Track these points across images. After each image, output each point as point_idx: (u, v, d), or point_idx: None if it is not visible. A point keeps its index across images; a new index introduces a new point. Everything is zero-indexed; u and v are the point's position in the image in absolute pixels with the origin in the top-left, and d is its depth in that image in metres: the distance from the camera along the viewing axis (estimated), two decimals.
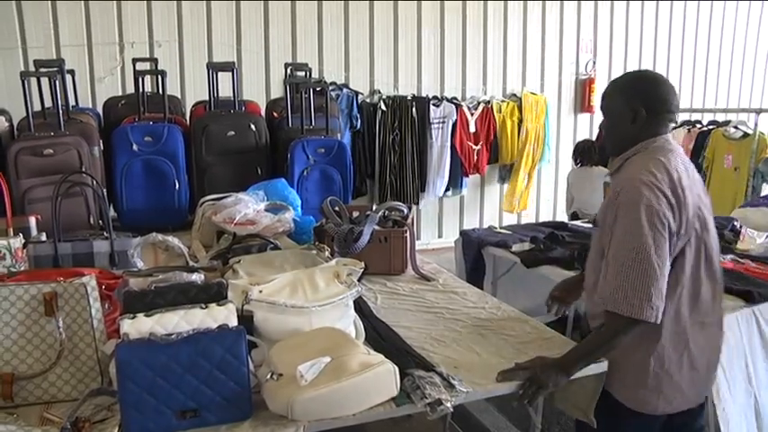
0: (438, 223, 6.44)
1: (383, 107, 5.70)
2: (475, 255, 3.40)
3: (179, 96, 4.49)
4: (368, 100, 5.78)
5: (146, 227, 2.55)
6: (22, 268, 2.32)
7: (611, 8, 6.96)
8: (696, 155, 5.41)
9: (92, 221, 2.99)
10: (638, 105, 1.72)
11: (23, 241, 2.38)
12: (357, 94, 5.67)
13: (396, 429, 3.03)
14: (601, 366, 1.74)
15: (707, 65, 7.67)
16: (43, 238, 2.45)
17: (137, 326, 1.42)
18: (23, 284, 1.59)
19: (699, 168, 5.08)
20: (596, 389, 1.77)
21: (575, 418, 1.88)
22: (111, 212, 3.31)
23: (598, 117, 6.69)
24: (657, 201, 1.61)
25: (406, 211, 2.72)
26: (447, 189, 6.08)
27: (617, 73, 7.10)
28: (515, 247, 3.29)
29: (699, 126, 5.69)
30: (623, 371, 1.76)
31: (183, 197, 3.14)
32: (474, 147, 6.14)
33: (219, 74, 3.38)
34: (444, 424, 2.78)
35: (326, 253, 1.94)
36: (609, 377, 1.75)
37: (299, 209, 2.70)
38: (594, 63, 6.96)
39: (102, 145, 3.18)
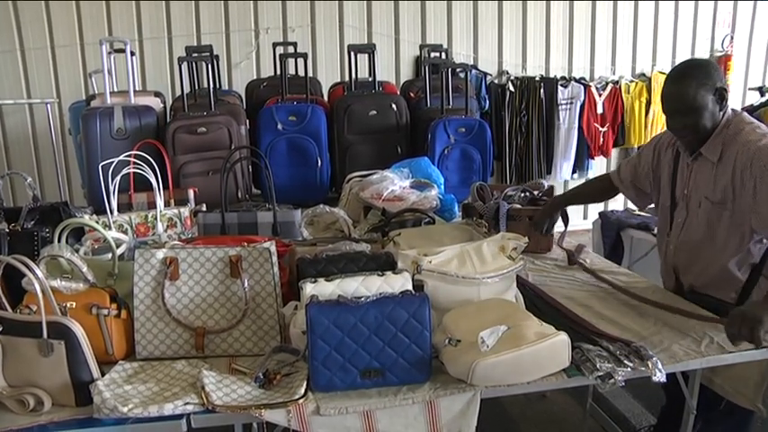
0: None
1: (511, 88, 5.62)
2: (614, 237, 3.32)
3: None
4: (496, 81, 5.71)
5: (289, 202, 2.68)
6: (190, 235, 2.52)
7: None
8: None
9: (239, 195, 3.17)
10: (720, 86, 1.83)
11: (193, 209, 2.59)
12: (485, 75, 5.62)
13: (530, 408, 3.04)
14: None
15: None
16: (203, 208, 2.63)
17: (319, 289, 1.52)
18: (212, 248, 1.73)
19: None
20: (765, 375, 1.71)
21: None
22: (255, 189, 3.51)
23: (734, 98, 6.33)
24: None
25: (546, 185, 2.71)
26: (573, 171, 5.93)
27: (759, 50, 6.63)
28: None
29: None
30: None
31: (325, 174, 3.26)
32: (600, 129, 5.94)
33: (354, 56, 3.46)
34: (585, 405, 2.75)
35: (483, 228, 1.97)
36: None
37: (443, 187, 2.74)
38: (732, 38, 6.48)
39: (247, 124, 3.36)
